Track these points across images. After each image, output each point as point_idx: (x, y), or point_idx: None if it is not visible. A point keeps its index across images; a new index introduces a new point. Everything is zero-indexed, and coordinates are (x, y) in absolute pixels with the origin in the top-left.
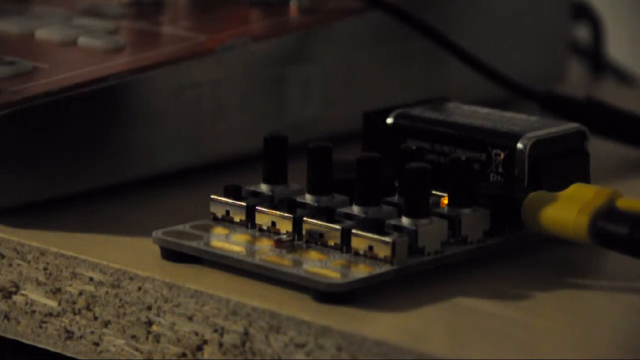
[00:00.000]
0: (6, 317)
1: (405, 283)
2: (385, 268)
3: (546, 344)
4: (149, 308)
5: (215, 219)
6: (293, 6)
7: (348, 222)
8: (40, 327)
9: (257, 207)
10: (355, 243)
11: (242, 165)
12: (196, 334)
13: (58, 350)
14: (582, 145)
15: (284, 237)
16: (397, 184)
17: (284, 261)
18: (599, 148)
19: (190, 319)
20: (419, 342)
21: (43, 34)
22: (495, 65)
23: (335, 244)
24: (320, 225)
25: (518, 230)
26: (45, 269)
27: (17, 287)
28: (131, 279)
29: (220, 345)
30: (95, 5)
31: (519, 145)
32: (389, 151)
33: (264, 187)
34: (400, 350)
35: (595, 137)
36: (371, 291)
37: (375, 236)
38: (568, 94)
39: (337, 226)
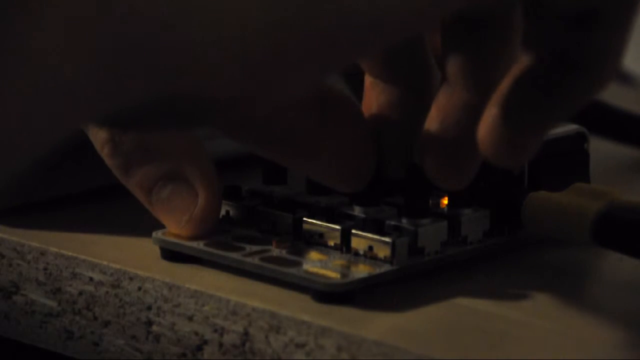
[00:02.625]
0: (6, 317)
1: (405, 283)
2: (385, 268)
3: (546, 344)
4: (149, 308)
5: None
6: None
7: (348, 222)
8: (40, 327)
9: (257, 207)
10: (355, 243)
11: (242, 165)
12: (196, 334)
13: (58, 350)
14: (582, 146)
15: (284, 237)
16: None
17: (284, 261)
18: (599, 148)
19: (190, 319)
20: (419, 342)
21: None
22: None
23: (335, 244)
24: (320, 225)
25: (518, 230)
26: (45, 269)
27: (17, 287)
28: (131, 279)
29: (220, 345)
30: None
31: None
32: None
33: (264, 187)
34: (400, 350)
35: (595, 137)
36: (371, 291)
37: (375, 236)
38: None
39: (337, 226)
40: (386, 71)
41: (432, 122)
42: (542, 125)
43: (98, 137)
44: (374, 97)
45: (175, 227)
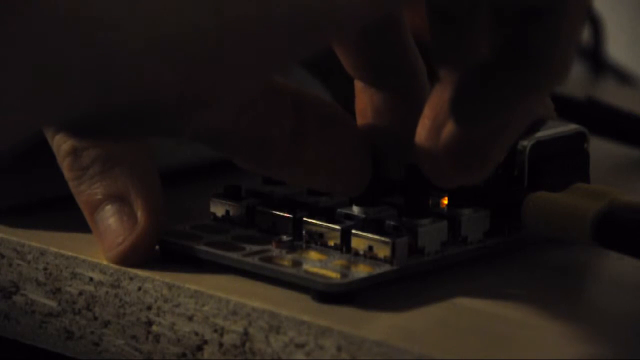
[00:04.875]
0: (6, 317)
1: (405, 283)
2: (385, 268)
3: (546, 344)
4: (149, 308)
5: (215, 219)
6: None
7: (348, 222)
8: (40, 327)
9: (257, 207)
10: (355, 243)
11: None
12: (196, 334)
13: (58, 350)
14: (582, 146)
15: (284, 237)
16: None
17: (284, 261)
18: (599, 148)
19: (190, 319)
20: (419, 342)
21: None
22: None
23: (335, 244)
24: (320, 225)
25: (518, 230)
26: (45, 269)
27: (17, 287)
28: (131, 279)
29: (220, 345)
30: None
31: (519, 146)
32: None
33: (264, 187)
34: (400, 350)
35: (595, 137)
36: (371, 291)
37: (375, 236)
38: (568, 94)
39: (337, 226)
40: (373, 75)
41: (425, 121)
42: (496, 121)
43: (61, 149)
44: (366, 100)
45: (107, 249)
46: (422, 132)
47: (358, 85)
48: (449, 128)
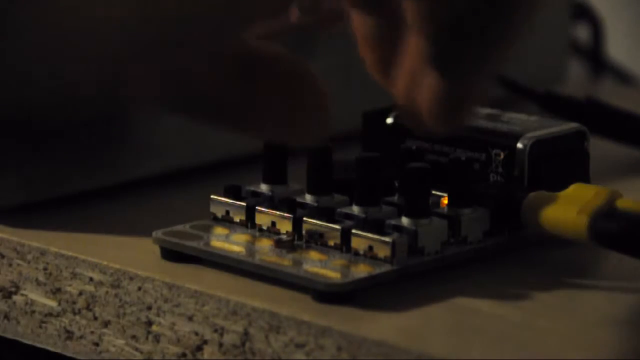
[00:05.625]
0: (6, 317)
1: (405, 283)
2: (385, 268)
3: (546, 344)
4: (149, 308)
5: (215, 219)
6: (293, 6)
7: (348, 222)
8: (40, 327)
9: (257, 207)
10: (355, 243)
11: (242, 165)
12: (196, 334)
13: (58, 350)
14: (582, 145)
15: (284, 237)
16: (397, 184)
17: (284, 261)
18: (599, 148)
19: (190, 319)
20: (419, 342)
21: None
22: None
23: (335, 244)
24: (320, 225)
25: (518, 230)
26: (45, 269)
27: (17, 287)
28: (131, 279)
29: (220, 345)
30: None
31: (519, 145)
32: (389, 151)
33: (264, 187)
34: (400, 350)
35: (595, 137)
36: (371, 291)
37: (375, 236)
38: (568, 94)
39: (337, 226)
40: (363, 1)
41: (404, 72)
42: (476, 71)
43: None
44: (355, 27)
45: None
46: (401, 85)
47: (349, 12)
48: (428, 80)
